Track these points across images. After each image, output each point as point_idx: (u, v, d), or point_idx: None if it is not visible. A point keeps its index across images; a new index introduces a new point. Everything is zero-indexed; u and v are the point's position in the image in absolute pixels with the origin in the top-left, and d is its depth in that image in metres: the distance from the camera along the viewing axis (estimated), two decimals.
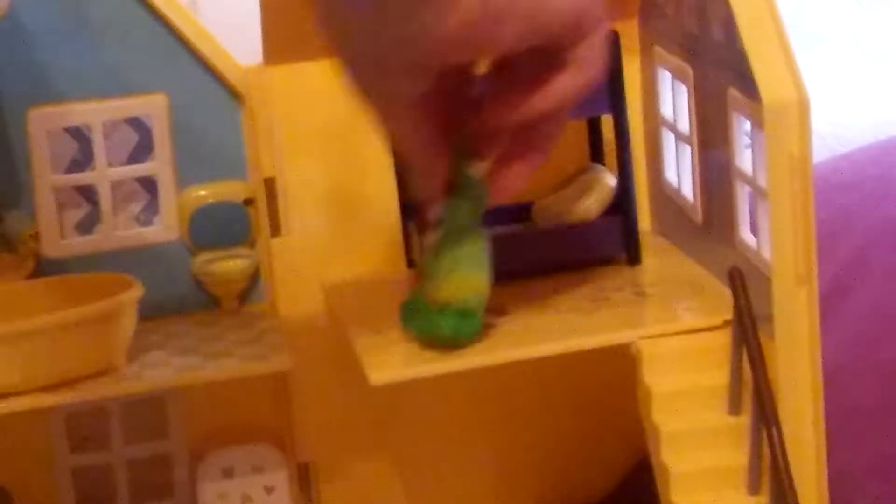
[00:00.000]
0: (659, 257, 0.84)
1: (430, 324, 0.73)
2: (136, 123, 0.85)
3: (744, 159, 0.74)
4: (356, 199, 0.87)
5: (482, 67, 0.71)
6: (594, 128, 0.87)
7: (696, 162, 0.80)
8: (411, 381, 0.73)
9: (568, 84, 0.68)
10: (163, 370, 0.79)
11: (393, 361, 0.74)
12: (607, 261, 0.85)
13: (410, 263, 0.87)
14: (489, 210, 0.87)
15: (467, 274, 0.72)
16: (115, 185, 0.85)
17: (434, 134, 0.70)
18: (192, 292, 0.86)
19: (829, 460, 0.72)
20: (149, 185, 0.85)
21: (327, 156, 0.87)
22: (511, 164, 0.71)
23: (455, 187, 0.72)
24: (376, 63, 0.65)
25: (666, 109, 0.84)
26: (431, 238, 0.73)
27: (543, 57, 0.67)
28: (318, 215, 0.87)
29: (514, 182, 0.72)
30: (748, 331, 0.70)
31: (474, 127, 0.71)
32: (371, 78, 0.66)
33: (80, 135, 0.84)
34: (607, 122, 0.85)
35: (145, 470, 0.87)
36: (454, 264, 0.72)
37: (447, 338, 0.73)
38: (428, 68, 0.65)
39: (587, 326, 0.75)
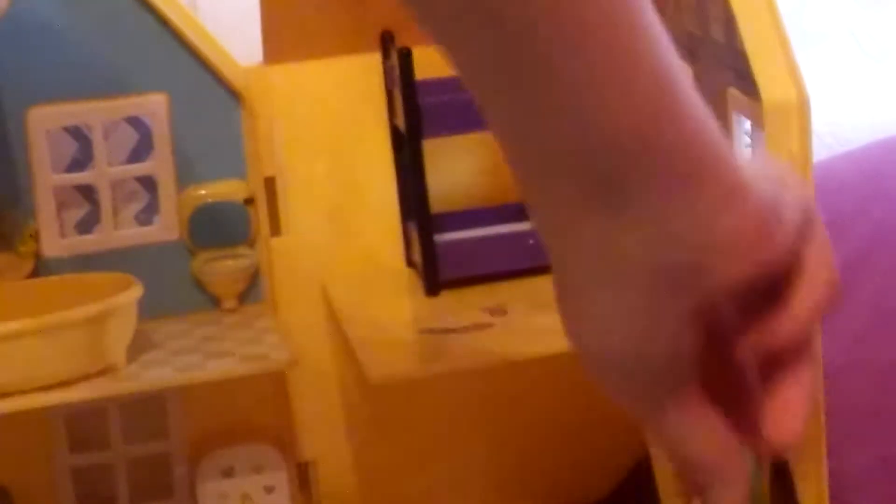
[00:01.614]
0: None
1: None
2: (135, 123, 0.85)
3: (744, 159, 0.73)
4: (356, 199, 0.87)
5: None
6: None
7: None
8: (411, 381, 0.73)
9: (812, 291, 0.54)
10: (163, 370, 0.78)
11: (392, 361, 0.74)
12: None
13: (410, 263, 0.87)
14: (489, 209, 0.87)
15: None
16: (115, 185, 0.85)
17: (727, 427, 0.54)
18: (192, 292, 0.86)
19: (829, 460, 0.72)
20: (149, 184, 0.85)
21: (327, 156, 0.87)
22: (786, 399, 0.56)
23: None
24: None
25: None
26: None
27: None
28: (318, 215, 0.87)
29: (801, 414, 0.56)
30: None
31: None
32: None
33: (79, 134, 0.84)
34: None
35: (145, 470, 0.87)
36: None
37: None
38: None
39: None
